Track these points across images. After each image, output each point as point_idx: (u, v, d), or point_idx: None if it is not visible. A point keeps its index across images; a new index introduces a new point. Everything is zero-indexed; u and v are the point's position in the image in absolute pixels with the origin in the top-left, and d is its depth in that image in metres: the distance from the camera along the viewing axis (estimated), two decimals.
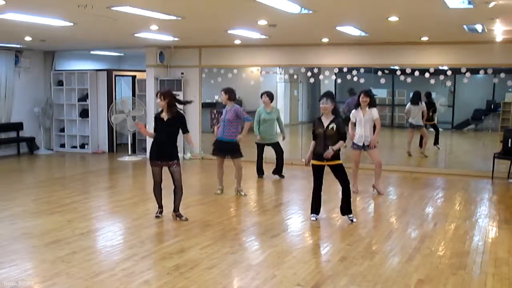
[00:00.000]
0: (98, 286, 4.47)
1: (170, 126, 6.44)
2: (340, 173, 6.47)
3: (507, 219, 6.90)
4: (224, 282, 4.62)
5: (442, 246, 5.68)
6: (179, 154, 6.65)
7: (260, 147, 9.55)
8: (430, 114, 12.28)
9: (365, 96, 8.06)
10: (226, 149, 8.03)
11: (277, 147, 9.57)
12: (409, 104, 11.94)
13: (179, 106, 6.56)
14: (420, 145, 12.21)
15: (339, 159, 6.46)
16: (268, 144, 9.52)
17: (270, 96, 9.39)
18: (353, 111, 8.22)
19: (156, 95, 6.57)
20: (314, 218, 6.67)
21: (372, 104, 8.07)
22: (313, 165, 6.53)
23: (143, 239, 5.83)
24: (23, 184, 9.44)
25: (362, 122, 8.05)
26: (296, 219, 7.01)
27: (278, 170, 9.66)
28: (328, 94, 6.51)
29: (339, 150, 6.41)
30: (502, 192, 8.89)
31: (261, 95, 9.45)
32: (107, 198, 8.45)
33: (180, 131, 6.57)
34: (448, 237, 6.06)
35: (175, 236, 5.97)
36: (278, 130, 9.69)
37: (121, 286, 4.45)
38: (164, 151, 6.47)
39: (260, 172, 9.70)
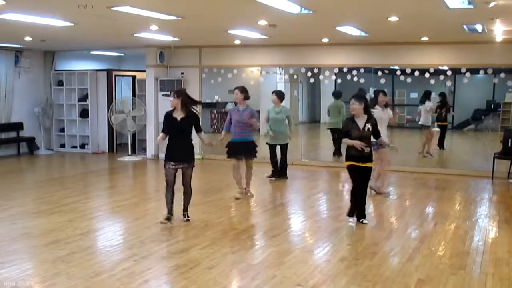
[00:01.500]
0: (98, 286, 4.47)
1: (185, 125, 6.30)
2: (368, 176, 6.55)
3: (507, 219, 6.89)
4: (224, 282, 4.62)
5: (442, 246, 5.68)
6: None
7: (272, 148, 9.43)
8: (443, 114, 12.30)
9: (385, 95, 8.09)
10: (243, 149, 7.86)
11: (284, 149, 9.45)
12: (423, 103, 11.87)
13: (194, 106, 6.43)
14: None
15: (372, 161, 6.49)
16: (278, 145, 9.43)
17: (279, 95, 9.35)
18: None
19: (170, 94, 6.37)
20: (352, 223, 6.51)
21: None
22: (351, 166, 6.40)
23: (143, 239, 5.83)
24: (23, 184, 9.44)
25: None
26: (296, 219, 7.01)
27: (282, 172, 9.57)
28: (356, 95, 6.56)
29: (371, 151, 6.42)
30: (502, 192, 8.89)
31: (272, 93, 9.40)
32: (107, 198, 8.45)
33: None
34: (448, 237, 6.05)
35: (175, 236, 5.96)
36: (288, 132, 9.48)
37: (121, 286, 4.45)
38: (181, 152, 6.33)
39: (278, 172, 9.58)
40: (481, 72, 10.23)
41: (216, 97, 14.52)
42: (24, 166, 11.82)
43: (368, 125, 6.33)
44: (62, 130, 13.60)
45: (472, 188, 9.09)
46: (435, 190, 9.00)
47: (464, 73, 10.24)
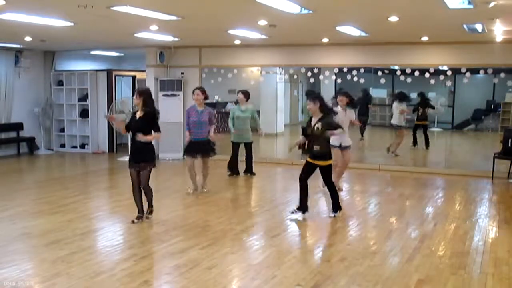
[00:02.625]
0: (98, 286, 4.47)
1: (143, 124, 6.30)
2: (324, 173, 6.71)
3: (507, 219, 6.90)
4: (224, 282, 4.62)
5: (442, 246, 5.68)
6: (156, 156, 6.53)
7: (236, 146, 9.68)
8: (423, 114, 12.44)
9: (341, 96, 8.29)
10: (200, 149, 8.05)
11: (249, 147, 9.72)
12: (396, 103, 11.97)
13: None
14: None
15: (327, 159, 6.63)
16: (242, 143, 9.67)
17: (245, 94, 9.59)
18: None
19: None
20: (300, 218, 6.74)
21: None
22: (306, 162, 6.73)
23: (143, 239, 5.83)
24: (23, 184, 9.44)
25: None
26: (296, 219, 7.00)
27: (249, 169, 9.85)
28: (309, 94, 6.69)
29: (328, 150, 6.58)
30: (502, 192, 8.89)
31: (237, 92, 9.71)
32: (107, 198, 8.44)
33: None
34: (448, 237, 6.06)
35: (175, 236, 5.96)
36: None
37: (121, 286, 4.45)
38: (139, 152, 6.36)
39: (234, 170, 9.81)
40: (481, 72, 10.23)
41: (216, 97, 14.51)
42: (24, 166, 11.82)
43: (318, 125, 6.49)
44: (62, 130, 13.60)
45: (472, 188, 9.09)
46: (435, 190, 9.00)
47: (464, 73, 10.23)
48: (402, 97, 11.88)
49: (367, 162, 11.50)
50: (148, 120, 6.28)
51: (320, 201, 8.08)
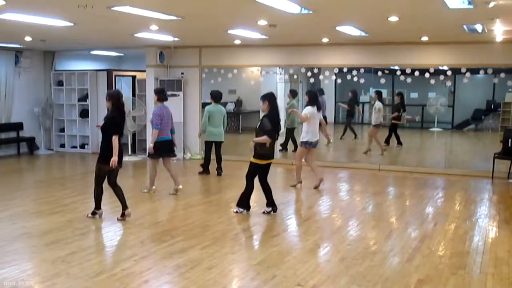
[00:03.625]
0: (98, 286, 4.47)
1: (103, 126, 6.50)
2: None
3: (507, 219, 6.90)
4: (224, 282, 4.62)
5: (442, 246, 5.68)
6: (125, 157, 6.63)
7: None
8: (400, 114, 12.63)
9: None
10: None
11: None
12: (379, 103, 12.07)
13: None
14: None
15: (254, 157, 6.72)
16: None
17: (211, 95, 9.81)
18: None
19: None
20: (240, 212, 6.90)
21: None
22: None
23: (143, 239, 5.83)
24: (23, 184, 9.44)
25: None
26: (296, 219, 7.01)
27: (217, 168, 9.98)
28: (263, 95, 6.86)
29: (256, 148, 6.63)
30: (502, 192, 8.89)
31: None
32: (107, 198, 8.41)
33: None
34: (448, 237, 6.06)
35: (175, 236, 5.96)
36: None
37: (121, 286, 4.45)
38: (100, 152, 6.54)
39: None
40: (481, 72, 10.23)
41: None
42: (24, 166, 11.81)
43: (259, 122, 6.74)
44: (62, 130, 13.60)
45: (472, 188, 9.09)
46: (435, 190, 8.99)
47: (464, 73, 10.24)
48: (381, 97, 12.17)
49: (367, 162, 11.51)
50: (106, 124, 6.43)
51: (320, 201, 8.08)
